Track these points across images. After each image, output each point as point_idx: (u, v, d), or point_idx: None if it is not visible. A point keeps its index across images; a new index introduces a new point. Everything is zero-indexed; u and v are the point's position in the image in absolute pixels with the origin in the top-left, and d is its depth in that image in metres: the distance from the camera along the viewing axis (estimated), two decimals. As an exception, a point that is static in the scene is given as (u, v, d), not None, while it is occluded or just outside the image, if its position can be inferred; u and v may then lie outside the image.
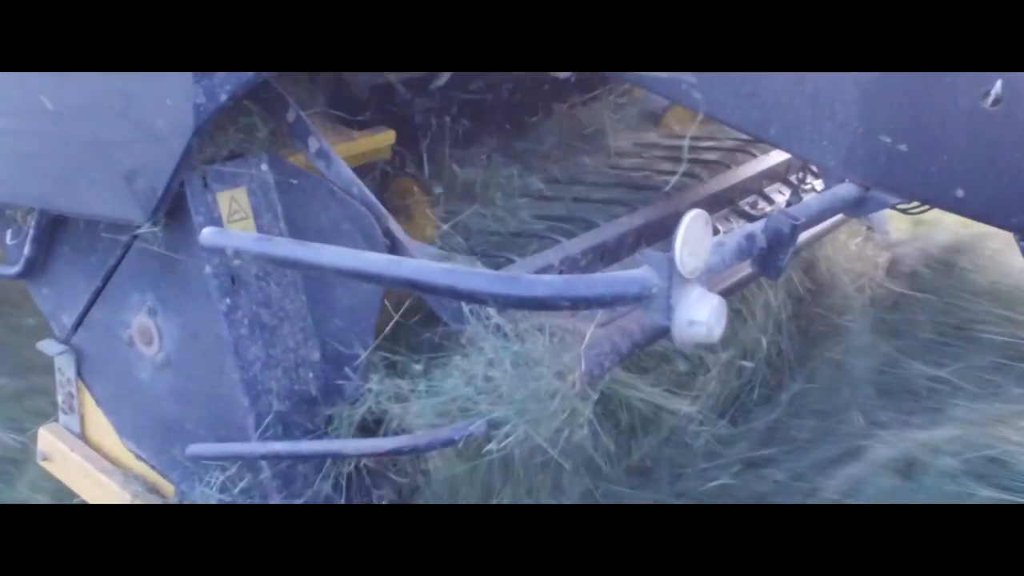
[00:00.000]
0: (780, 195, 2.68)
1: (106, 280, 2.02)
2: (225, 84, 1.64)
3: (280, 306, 1.86)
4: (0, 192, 2.08)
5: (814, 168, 2.80)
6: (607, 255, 2.09)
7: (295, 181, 1.86)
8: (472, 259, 1.82)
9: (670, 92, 2.04)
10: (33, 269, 2.14)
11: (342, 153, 1.98)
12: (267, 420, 1.81)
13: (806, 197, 2.64)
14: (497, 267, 1.89)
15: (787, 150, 2.11)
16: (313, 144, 1.85)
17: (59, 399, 2.23)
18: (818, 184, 2.78)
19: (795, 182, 2.76)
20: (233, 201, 1.84)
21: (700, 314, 1.39)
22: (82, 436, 2.22)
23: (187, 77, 1.62)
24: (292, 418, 1.85)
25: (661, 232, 2.25)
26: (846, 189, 1.89)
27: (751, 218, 2.52)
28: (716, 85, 1.95)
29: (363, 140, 2.30)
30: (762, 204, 2.60)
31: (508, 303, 1.40)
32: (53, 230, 2.09)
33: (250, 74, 1.64)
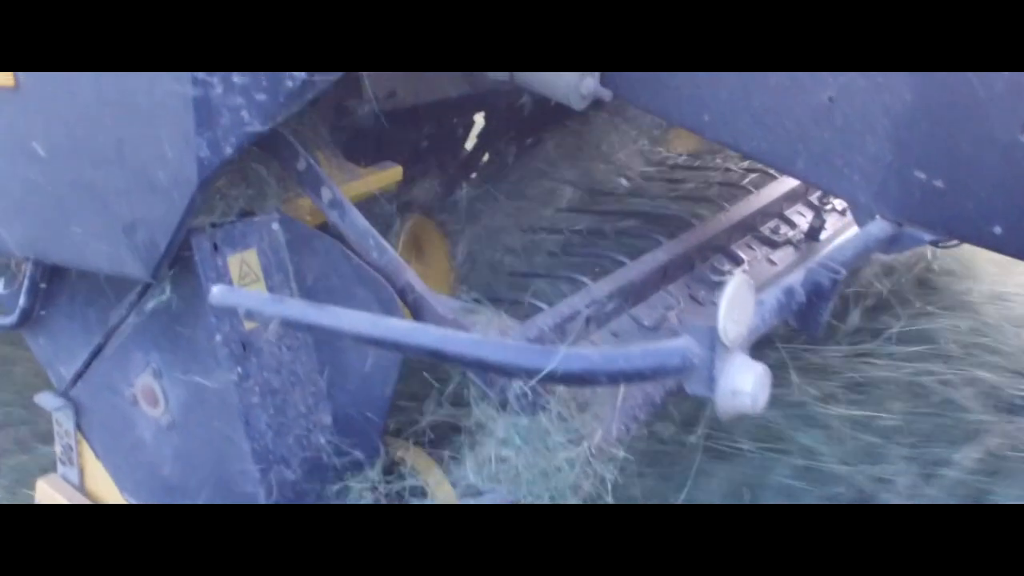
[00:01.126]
0: (801, 217, 2.60)
1: (107, 337, 1.92)
2: (230, 136, 1.54)
3: (291, 370, 1.78)
4: None
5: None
6: (632, 295, 2.00)
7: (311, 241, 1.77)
8: (497, 312, 1.73)
9: (689, 122, 1.95)
10: (28, 320, 2.04)
11: (348, 193, 1.89)
12: (277, 489, 1.73)
13: (828, 218, 2.57)
14: (521, 315, 1.81)
15: (814, 184, 2.03)
16: (326, 194, 1.76)
17: (57, 450, 2.14)
18: (839, 203, 2.69)
19: (816, 203, 2.67)
20: (244, 263, 1.75)
21: (744, 384, 1.31)
22: (81, 488, 2.13)
23: (188, 128, 1.53)
24: (304, 486, 1.77)
25: (686, 266, 2.16)
26: (879, 227, 1.81)
27: (774, 244, 2.44)
28: (738, 114, 1.87)
29: (370, 178, 2.21)
30: (784, 228, 2.52)
31: (543, 378, 1.31)
32: (49, 280, 1.99)
33: (256, 123, 1.55)
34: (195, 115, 1.52)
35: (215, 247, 1.70)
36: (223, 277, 1.70)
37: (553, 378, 1.32)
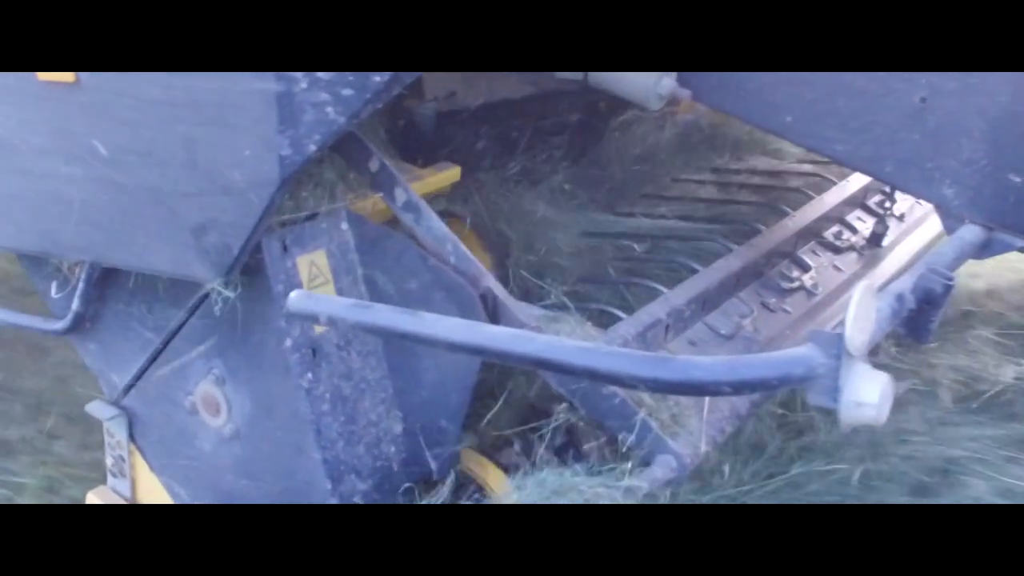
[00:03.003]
0: (862, 223, 2.54)
1: (166, 343, 1.85)
2: (313, 133, 1.47)
3: (361, 376, 1.71)
4: (43, 242, 1.90)
5: (889, 190, 2.67)
6: (708, 302, 1.94)
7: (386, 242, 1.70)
8: (581, 320, 1.66)
9: (770, 125, 1.89)
10: (81, 325, 1.97)
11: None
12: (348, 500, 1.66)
13: (891, 223, 2.51)
14: (602, 323, 1.74)
15: (903, 188, 1.97)
16: (400, 196, 1.69)
17: (108, 461, 2.07)
18: (898, 208, 2.64)
19: (876, 208, 2.62)
20: (313, 265, 1.69)
21: (870, 395, 1.24)
22: (133, 501, 2.06)
23: (271, 127, 1.46)
24: (374, 496, 1.70)
25: (755, 273, 2.10)
26: (971, 232, 1.75)
27: (837, 250, 2.38)
28: (824, 119, 1.81)
29: (430, 179, 2.15)
30: (847, 234, 2.46)
31: (660, 388, 1.25)
32: (104, 284, 1.92)
33: (341, 120, 1.48)
34: (278, 112, 1.45)
35: (284, 248, 1.63)
36: (292, 279, 1.64)
37: (673, 388, 1.26)
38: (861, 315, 1.22)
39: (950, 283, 1.46)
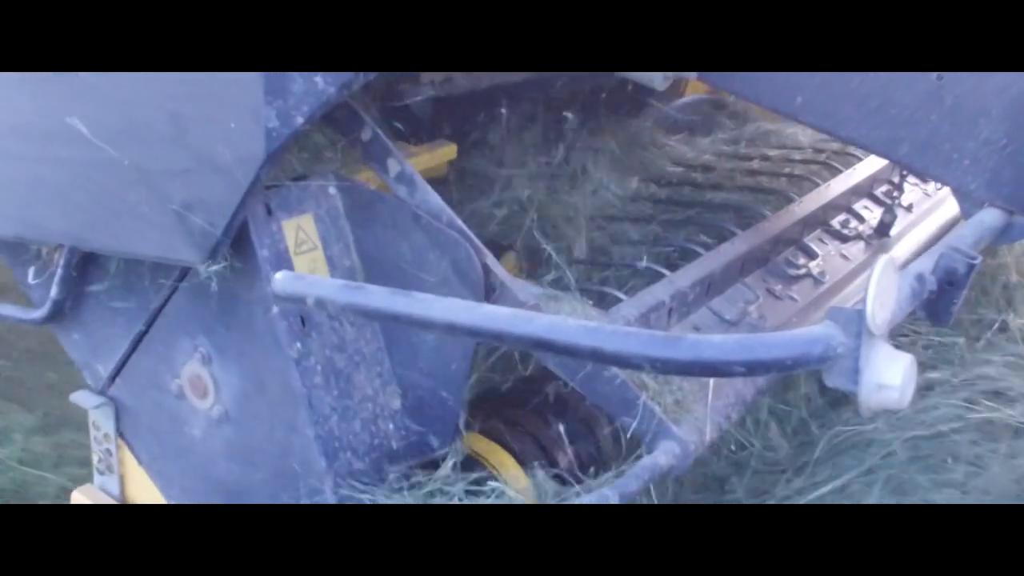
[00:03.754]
0: (868, 211, 2.48)
1: (149, 324, 1.77)
2: (301, 104, 1.40)
3: (355, 348, 1.63)
4: (19, 227, 1.83)
5: (897, 180, 2.61)
6: (713, 287, 1.87)
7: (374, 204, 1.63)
8: (583, 300, 1.59)
9: (780, 105, 1.82)
10: (61, 313, 1.89)
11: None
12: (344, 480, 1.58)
13: (899, 213, 2.45)
14: (603, 305, 1.67)
15: (920, 171, 1.91)
16: (393, 166, 1.62)
17: (94, 458, 1.99)
18: (906, 198, 2.58)
19: (883, 198, 2.55)
20: (300, 230, 1.61)
21: (893, 376, 1.17)
22: (122, 499, 1.97)
23: (257, 98, 1.39)
24: (372, 476, 1.62)
25: (761, 260, 2.04)
26: (990, 215, 1.68)
27: (844, 238, 2.31)
28: (837, 99, 1.74)
29: (424, 156, 2.08)
30: (854, 223, 2.39)
31: (669, 368, 1.18)
32: (84, 268, 1.84)
33: (331, 90, 1.41)
34: (265, 81, 1.38)
35: (269, 211, 1.56)
36: (278, 244, 1.57)
37: (683, 368, 1.19)
38: (883, 290, 1.15)
39: (974, 262, 1.39)
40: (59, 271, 1.83)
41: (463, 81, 2.16)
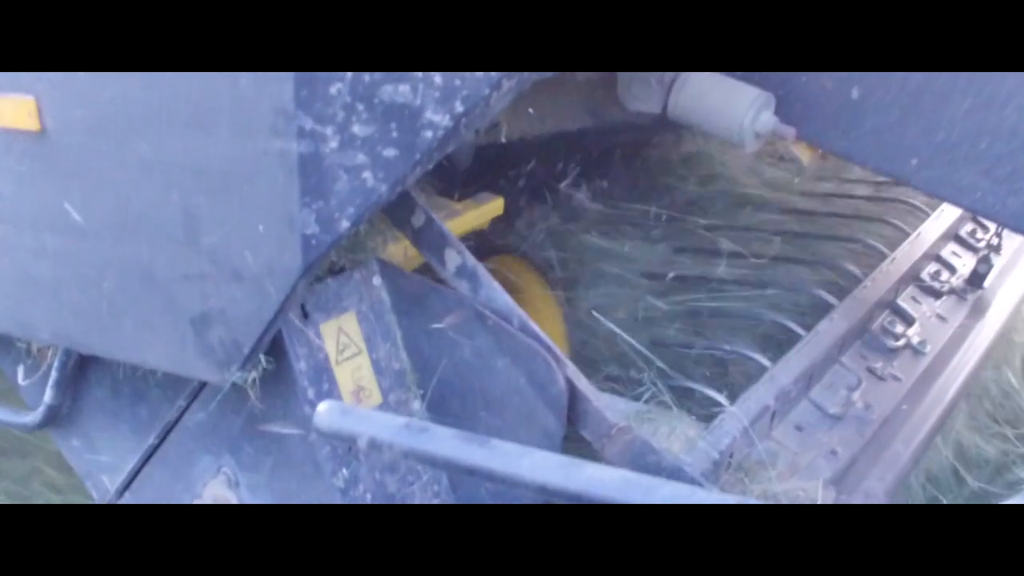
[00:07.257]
0: (958, 258, 2.22)
1: (162, 438, 1.52)
2: (346, 206, 1.14)
3: (409, 467, 1.38)
4: (5, 323, 1.57)
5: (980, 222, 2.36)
6: (815, 375, 1.62)
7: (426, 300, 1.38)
8: (680, 415, 1.34)
9: (890, 168, 1.58)
10: (57, 418, 1.63)
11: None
12: None
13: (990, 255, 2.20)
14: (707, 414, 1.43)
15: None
16: (452, 259, 1.36)
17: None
18: (992, 236, 2.32)
19: (970, 240, 2.29)
20: (342, 333, 1.36)
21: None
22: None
23: (291, 198, 1.13)
24: None
25: (859, 331, 1.79)
26: None
27: (937, 294, 2.06)
28: (959, 163, 1.50)
29: (469, 214, 1.82)
30: (945, 274, 2.14)
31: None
32: (82, 370, 1.58)
33: (382, 188, 1.14)
34: (301, 180, 1.12)
35: (305, 314, 1.30)
36: (317, 354, 1.32)
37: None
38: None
39: None
40: (53, 374, 1.57)
41: (511, 128, 1.90)
